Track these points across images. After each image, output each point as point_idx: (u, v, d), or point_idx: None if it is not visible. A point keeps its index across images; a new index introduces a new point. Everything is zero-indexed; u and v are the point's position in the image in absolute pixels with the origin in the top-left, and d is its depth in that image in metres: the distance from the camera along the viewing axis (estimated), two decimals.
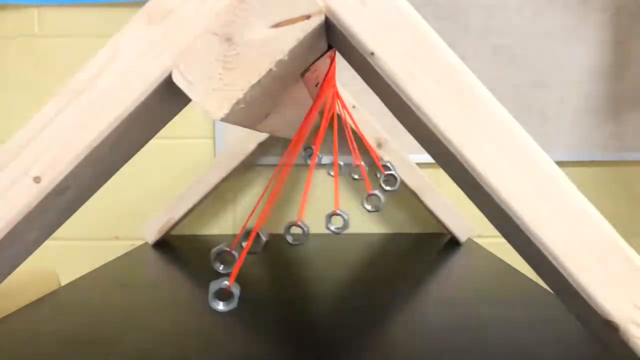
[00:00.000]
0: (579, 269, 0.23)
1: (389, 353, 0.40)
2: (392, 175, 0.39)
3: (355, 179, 0.49)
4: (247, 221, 0.34)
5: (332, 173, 0.45)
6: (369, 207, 0.37)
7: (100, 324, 0.48)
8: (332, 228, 0.35)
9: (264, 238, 0.30)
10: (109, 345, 0.42)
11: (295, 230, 0.31)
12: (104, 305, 0.54)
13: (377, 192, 0.35)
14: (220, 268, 0.30)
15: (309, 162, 0.40)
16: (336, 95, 0.44)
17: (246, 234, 0.30)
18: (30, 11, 0.95)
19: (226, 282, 0.27)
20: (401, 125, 0.32)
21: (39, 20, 0.95)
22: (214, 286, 0.27)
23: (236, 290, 0.27)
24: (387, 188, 0.39)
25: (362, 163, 0.48)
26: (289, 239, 0.31)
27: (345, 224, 0.33)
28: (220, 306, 0.27)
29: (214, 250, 0.29)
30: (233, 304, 0.27)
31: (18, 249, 0.28)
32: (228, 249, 0.29)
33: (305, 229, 0.30)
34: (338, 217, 0.34)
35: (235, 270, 0.27)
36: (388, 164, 0.41)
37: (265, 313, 0.51)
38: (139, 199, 0.98)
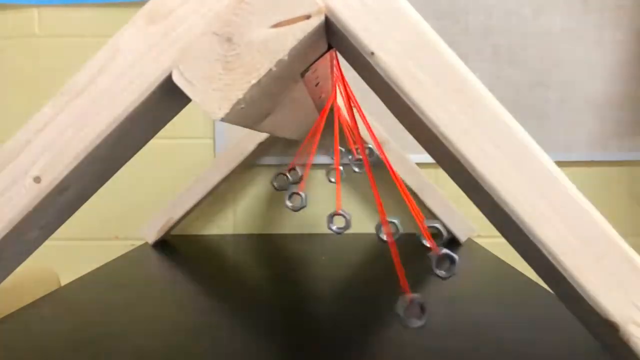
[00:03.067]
0: (579, 269, 0.23)
1: (389, 353, 0.40)
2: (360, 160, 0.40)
3: (355, 172, 0.49)
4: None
5: (332, 179, 0.45)
6: (334, 228, 0.38)
7: (100, 324, 0.48)
8: (334, 228, 0.35)
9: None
10: (109, 345, 0.42)
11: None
12: (104, 305, 0.54)
13: (343, 212, 0.36)
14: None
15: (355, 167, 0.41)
16: (345, 92, 0.44)
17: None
18: (30, 11, 0.95)
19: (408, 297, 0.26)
20: (401, 125, 0.32)
21: (39, 20, 0.95)
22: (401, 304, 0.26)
23: (422, 300, 0.26)
24: (356, 170, 0.40)
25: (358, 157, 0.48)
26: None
27: (347, 224, 0.33)
28: (419, 322, 0.26)
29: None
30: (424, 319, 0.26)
31: (18, 249, 0.28)
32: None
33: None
34: (340, 217, 0.34)
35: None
36: (371, 146, 0.42)
37: (265, 313, 0.51)
38: (139, 199, 0.98)
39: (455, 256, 0.27)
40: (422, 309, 0.26)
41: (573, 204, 0.24)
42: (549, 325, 0.46)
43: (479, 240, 0.89)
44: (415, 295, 0.26)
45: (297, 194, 0.31)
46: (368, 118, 0.46)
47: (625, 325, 0.23)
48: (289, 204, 0.30)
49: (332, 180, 0.44)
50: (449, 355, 0.40)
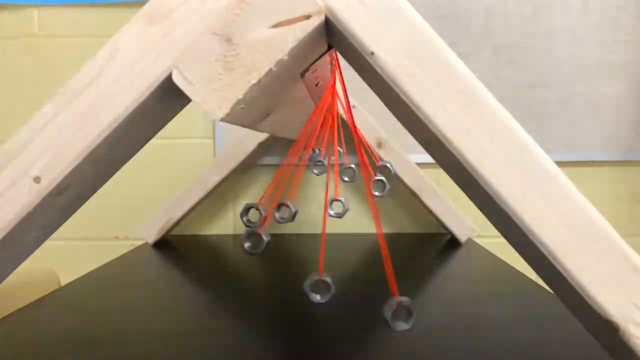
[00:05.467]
0: (579, 269, 0.23)
1: (388, 353, 0.40)
2: (381, 181, 0.39)
3: (345, 181, 0.49)
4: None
5: (346, 178, 0.45)
6: (332, 212, 0.37)
7: (100, 324, 0.48)
8: (332, 213, 0.35)
9: (293, 208, 0.30)
10: (109, 345, 0.42)
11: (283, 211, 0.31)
12: (104, 305, 0.54)
13: (340, 198, 0.36)
14: (247, 246, 0.29)
15: (314, 169, 0.40)
16: (336, 95, 0.44)
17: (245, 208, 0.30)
18: (30, 11, 0.95)
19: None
20: (401, 125, 0.32)
21: (39, 20, 0.95)
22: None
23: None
24: (376, 193, 0.39)
25: (353, 166, 0.48)
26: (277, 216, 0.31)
27: (345, 208, 0.34)
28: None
29: (245, 231, 0.29)
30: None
31: (18, 249, 0.28)
32: (257, 232, 0.29)
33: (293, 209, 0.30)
34: (338, 203, 0.35)
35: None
36: (388, 165, 0.40)
37: (265, 313, 0.51)
38: (139, 199, 0.98)
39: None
40: (410, 312, 0.26)
41: (573, 204, 0.24)
42: (549, 325, 0.46)
43: (479, 240, 0.89)
44: (403, 299, 0.26)
45: (258, 234, 0.29)
46: (367, 118, 0.46)
47: (625, 325, 0.23)
48: (247, 244, 0.29)
49: (346, 179, 0.44)
50: (449, 355, 0.40)
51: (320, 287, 0.27)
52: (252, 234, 0.29)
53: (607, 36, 0.92)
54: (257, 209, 0.30)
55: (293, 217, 0.30)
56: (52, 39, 0.96)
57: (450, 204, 0.87)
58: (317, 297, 0.27)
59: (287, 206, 0.30)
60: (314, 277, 0.27)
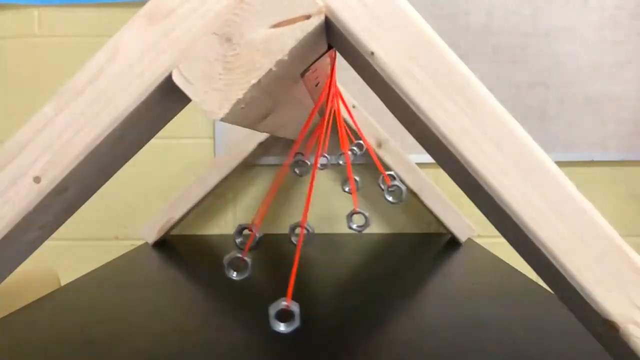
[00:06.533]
0: (579, 269, 0.23)
1: (388, 353, 0.40)
2: (397, 185, 0.38)
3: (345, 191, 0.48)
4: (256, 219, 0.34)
5: (347, 189, 0.44)
6: (354, 226, 0.37)
7: (100, 324, 0.48)
8: (354, 226, 0.35)
9: (258, 235, 0.30)
10: (109, 345, 0.42)
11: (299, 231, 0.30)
12: (104, 305, 0.54)
13: (361, 210, 0.35)
14: (234, 275, 0.29)
15: (296, 170, 0.39)
16: (337, 95, 0.44)
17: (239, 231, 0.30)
18: (30, 11, 0.95)
19: (285, 303, 0.26)
20: (401, 125, 0.32)
21: (39, 20, 0.95)
22: (273, 309, 0.26)
23: (296, 309, 0.26)
24: (392, 200, 0.37)
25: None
26: (294, 239, 0.30)
27: (367, 223, 0.33)
28: (282, 327, 0.26)
29: (226, 257, 0.29)
30: (295, 324, 0.26)
31: (18, 249, 0.28)
32: (240, 256, 0.29)
33: (311, 230, 0.30)
34: (359, 216, 0.34)
35: (289, 290, 0.26)
36: (393, 174, 0.39)
37: (264, 313, 0.51)
38: (139, 199, 0.98)
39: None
40: (292, 316, 0.26)
41: (573, 204, 0.24)
42: (549, 325, 0.46)
43: (479, 240, 0.89)
44: (291, 303, 0.26)
45: (242, 259, 0.29)
46: (367, 118, 0.45)
47: (625, 325, 0.23)
48: (233, 274, 0.28)
49: (347, 190, 0.43)
50: (449, 355, 0.40)
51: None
52: (235, 259, 0.28)
53: (607, 36, 0.92)
54: (250, 230, 0.29)
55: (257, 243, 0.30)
56: (52, 39, 0.96)
57: (450, 204, 0.87)
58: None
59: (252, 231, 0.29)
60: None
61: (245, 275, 0.28)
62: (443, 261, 0.75)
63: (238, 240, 0.30)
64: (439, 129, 0.24)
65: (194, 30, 0.24)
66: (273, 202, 0.99)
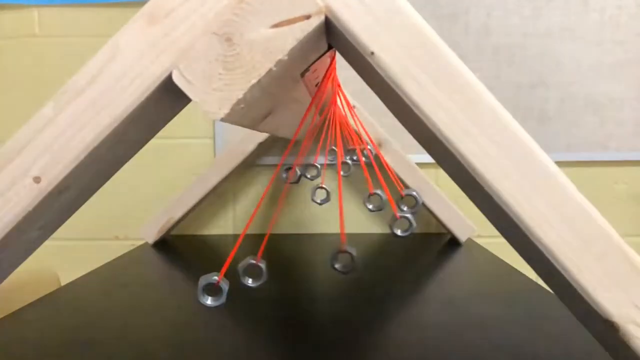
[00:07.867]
0: (579, 269, 0.23)
1: (388, 353, 0.40)
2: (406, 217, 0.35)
3: (344, 176, 0.48)
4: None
5: (318, 201, 0.43)
6: (370, 207, 0.36)
7: (100, 324, 0.48)
8: (370, 207, 0.35)
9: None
10: (109, 345, 0.42)
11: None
12: (104, 305, 0.54)
13: (378, 191, 0.35)
14: (250, 282, 0.29)
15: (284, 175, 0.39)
16: (338, 93, 0.44)
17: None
18: (30, 11, 0.95)
19: (215, 277, 0.27)
20: (401, 125, 0.32)
21: (39, 20, 0.95)
22: (202, 281, 0.27)
23: (225, 286, 0.27)
24: (398, 232, 0.35)
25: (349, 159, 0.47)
26: (337, 267, 0.29)
27: (382, 204, 0.33)
28: (209, 301, 0.27)
29: (240, 265, 0.29)
30: (222, 300, 0.27)
31: (18, 249, 0.28)
32: (255, 262, 0.29)
33: (353, 253, 0.29)
34: (376, 197, 0.34)
35: (225, 265, 0.27)
36: (414, 194, 0.36)
37: (264, 313, 0.51)
38: (139, 199, 0.98)
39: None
40: (220, 291, 0.27)
41: (573, 204, 0.24)
42: (549, 325, 0.46)
43: (479, 240, 0.89)
44: (221, 279, 0.26)
45: (257, 264, 0.29)
46: (367, 118, 0.45)
47: (625, 325, 0.23)
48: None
49: (318, 201, 0.43)
50: (449, 355, 0.40)
51: (253, 271, 0.28)
52: (250, 266, 0.29)
53: (607, 36, 0.92)
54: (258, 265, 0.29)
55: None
56: (52, 39, 0.96)
57: (451, 204, 0.87)
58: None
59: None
60: (248, 261, 0.27)
61: (261, 281, 0.29)
62: (443, 261, 0.75)
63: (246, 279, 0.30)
64: (439, 129, 0.24)
65: (194, 30, 0.24)
66: (273, 203, 0.99)
